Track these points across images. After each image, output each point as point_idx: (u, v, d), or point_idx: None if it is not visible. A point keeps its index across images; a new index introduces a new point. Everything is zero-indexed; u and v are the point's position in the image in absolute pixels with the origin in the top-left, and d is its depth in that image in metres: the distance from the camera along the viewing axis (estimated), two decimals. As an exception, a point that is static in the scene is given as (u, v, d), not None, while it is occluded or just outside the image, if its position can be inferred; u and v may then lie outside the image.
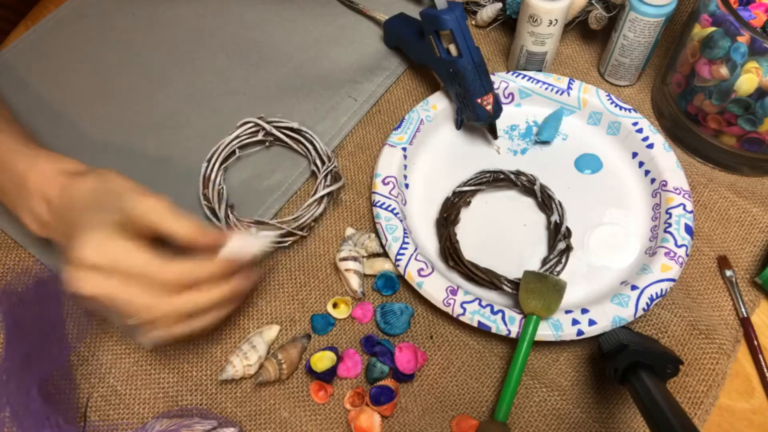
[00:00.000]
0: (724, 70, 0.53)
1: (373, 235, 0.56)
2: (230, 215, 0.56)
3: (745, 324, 0.52)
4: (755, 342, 0.52)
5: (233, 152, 0.60)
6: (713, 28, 0.53)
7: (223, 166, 0.59)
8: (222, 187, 0.57)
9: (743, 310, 0.53)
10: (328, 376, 0.50)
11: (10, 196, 0.50)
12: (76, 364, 0.51)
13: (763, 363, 0.51)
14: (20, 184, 0.47)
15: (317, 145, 0.59)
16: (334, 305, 0.54)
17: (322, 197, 0.56)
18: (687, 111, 0.59)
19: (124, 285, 0.41)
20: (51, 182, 0.46)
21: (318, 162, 0.59)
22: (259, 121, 0.60)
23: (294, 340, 0.52)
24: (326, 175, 0.57)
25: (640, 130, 0.59)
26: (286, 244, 0.56)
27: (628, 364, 0.45)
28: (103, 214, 0.43)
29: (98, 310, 0.43)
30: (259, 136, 0.60)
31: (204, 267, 0.44)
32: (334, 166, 0.58)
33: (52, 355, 0.48)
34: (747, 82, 0.52)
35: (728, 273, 0.55)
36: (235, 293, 0.46)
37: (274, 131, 0.60)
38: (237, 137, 0.60)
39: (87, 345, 0.52)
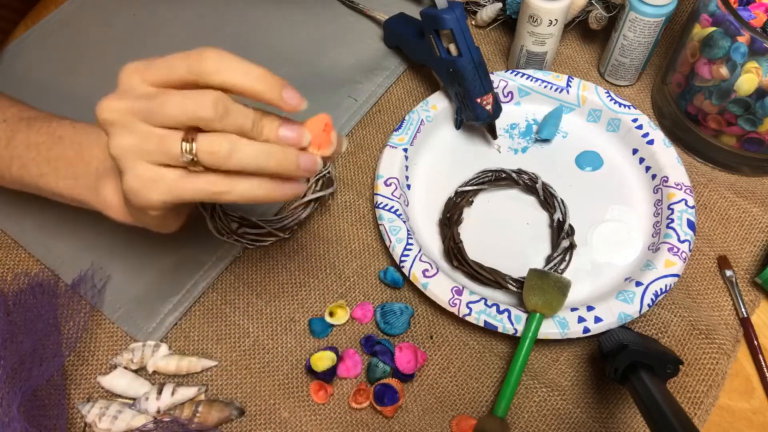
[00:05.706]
0: (724, 70, 0.53)
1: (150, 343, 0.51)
2: (217, 205, 0.55)
3: (745, 324, 0.52)
4: (755, 342, 0.52)
5: None
6: (713, 28, 0.53)
7: None
8: None
9: (743, 310, 0.53)
10: (328, 376, 0.50)
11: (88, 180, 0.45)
12: (76, 364, 0.51)
13: (763, 363, 0.51)
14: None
15: None
16: (331, 314, 0.53)
17: (309, 201, 0.56)
18: (687, 111, 0.59)
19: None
20: None
21: None
22: None
23: (226, 405, 0.49)
24: (317, 180, 0.57)
25: (640, 126, 0.59)
26: (266, 243, 0.56)
27: (628, 364, 0.45)
28: None
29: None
30: None
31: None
32: (328, 172, 0.58)
33: (45, 362, 0.47)
34: (747, 82, 0.52)
35: (728, 273, 0.55)
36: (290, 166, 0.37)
37: None
38: None
39: (87, 345, 0.52)
